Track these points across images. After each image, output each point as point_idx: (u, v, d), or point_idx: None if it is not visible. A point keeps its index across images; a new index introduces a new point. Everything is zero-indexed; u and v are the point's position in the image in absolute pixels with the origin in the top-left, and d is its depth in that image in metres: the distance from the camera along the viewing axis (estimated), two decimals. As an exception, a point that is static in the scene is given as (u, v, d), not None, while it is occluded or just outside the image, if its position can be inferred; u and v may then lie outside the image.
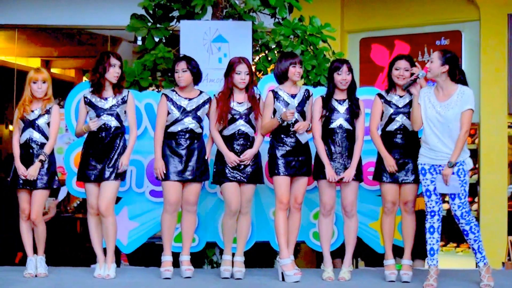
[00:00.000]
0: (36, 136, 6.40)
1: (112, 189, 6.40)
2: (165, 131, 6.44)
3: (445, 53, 6.09)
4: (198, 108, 6.44)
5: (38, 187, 6.37)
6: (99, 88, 6.42)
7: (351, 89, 6.40)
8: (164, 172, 6.34)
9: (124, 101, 6.46)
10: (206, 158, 6.49)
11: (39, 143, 6.39)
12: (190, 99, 6.45)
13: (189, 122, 6.41)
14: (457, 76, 6.12)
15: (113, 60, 6.42)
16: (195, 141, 6.43)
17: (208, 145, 6.53)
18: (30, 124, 6.39)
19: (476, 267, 6.16)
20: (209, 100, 6.50)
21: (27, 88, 6.44)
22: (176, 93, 6.47)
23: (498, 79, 9.71)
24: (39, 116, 6.42)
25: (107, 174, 6.33)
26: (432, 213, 6.13)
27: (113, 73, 6.41)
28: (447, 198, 6.31)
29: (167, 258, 6.45)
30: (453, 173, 5.98)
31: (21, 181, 6.35)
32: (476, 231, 6.04)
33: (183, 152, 6.39)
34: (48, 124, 6.43)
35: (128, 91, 6.55)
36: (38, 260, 6.44)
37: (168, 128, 6.43)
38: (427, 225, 6.15)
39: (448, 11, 10.10)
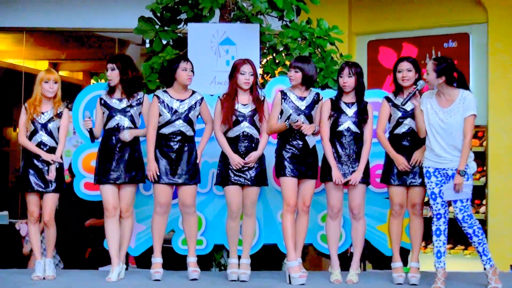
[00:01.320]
0: (47, 139, 6.41)
1: (131, 192, 6.48)
2: (156, 132, 6.45)
3: (439, 64, 6.05)
4: (189, 109, 6.44)
5: (50, 190, 6.39)
6: (111, 90, 6.49)
7: (360, 93, 6.40)
8: (158, 174, 6.36)
9: (139, 103, 6.49)
10: (198, 161, 6.49)
11: (49, 147, 6.41)
12: (182, 101, 6.45)
13: (180, 125, 6.40)
14: (456, 80, 6.10)
15: (108, 65, 6.48)
16: (186, 144, 6.42)
17: (200, 148, 6.52)
18: (41, 127, 6.41)
19: (484, 269, 6.15)
20: (201, 101, 6.50)
21: (37, 88, 6.45)
22: (168, 94, 6.48)
23: (506, 81, 9.69)
24: (50, 119, 6.44)
25: (124, 176, 6.38)
26: (438, 216, 6.14)
27: (109, 77, 6.46)
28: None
29: (157, 260, 6.46)
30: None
31: (33, 184, 6.37)
32: (479, 234, 6.04)
33: (172, 155, 6.39)
34: (59, 128, 6.45)
35: (144, 94, 6.59)
36: (46, 262, 6.45)
37: (159, 129, 6.43)
38: (434, 228, 6.15)
39: (456, 13, 10.09)
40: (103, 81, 7.64)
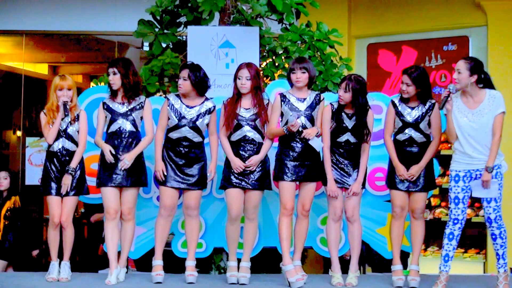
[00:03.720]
0: (68, 145, 6.42)
1: (132, 195, 6.48)
2: (166, 135, 6.45)
3: (470, 62, 6.03)
4: (197, 117, 6.43)
5: (70, 194, 6.40)
6: (113, 93, 6.49)
7: (358, 109, 6.31)
8: (165, 174, 6.37)
9: (141, 107, 6.49)
10: (211, 177, 6.50)
11: (70, 152, 6.42)
12: (190, 107, 6.45)
13: (186, 131, 6.40)
14: (482, 81, 6.09)
15: (109, 69, 6.47)
16: (193, 150, 6.42)
17: (212, 164, 6.50)
18: (62, 133, 6.41)
19: (497, 272, 6.10)
20: (212, 109, 6.48)
21: (53, 95, 6.44)
22: (179, 99, 6.48)
23: (506, 84, 9.65)
24: (69, 124, 6.43)
25: (126, 179, 6.37)
26: (455, 221, 6.11)
27: (111, 81, 6.45)
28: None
29: (157, 262, 6.46)
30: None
31: (52, 189, 6.38)
32: (504, 237, 6.05)
33: (179, 160, 6.40)
34: (78, 131, 6.46)
35: (145, 97, 6.59)
36: (62, 265, 6.46)
37: (168, 133, 6.44)
38: (447, 231, 6.13)
39: (456, 16, 10.09)
40: (102, 84, 7.63)
